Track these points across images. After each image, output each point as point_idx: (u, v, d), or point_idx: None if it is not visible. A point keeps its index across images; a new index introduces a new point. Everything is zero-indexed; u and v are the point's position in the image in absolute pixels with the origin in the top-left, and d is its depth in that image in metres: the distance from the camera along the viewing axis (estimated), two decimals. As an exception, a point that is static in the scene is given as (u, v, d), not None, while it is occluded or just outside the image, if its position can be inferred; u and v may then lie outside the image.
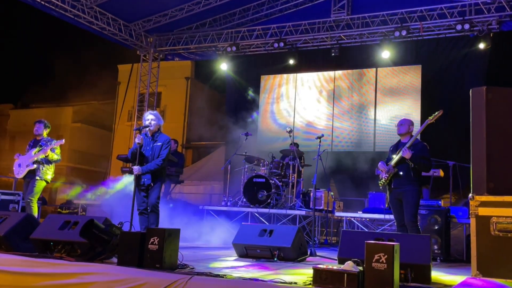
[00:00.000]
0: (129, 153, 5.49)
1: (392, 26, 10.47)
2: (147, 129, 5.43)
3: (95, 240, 4.03)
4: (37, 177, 6.43)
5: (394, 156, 5.31)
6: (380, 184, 5.42)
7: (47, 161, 6.51)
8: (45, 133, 6.70)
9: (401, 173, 5.22)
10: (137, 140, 5.31)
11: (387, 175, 5.29)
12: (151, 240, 3.82)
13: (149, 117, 5.46)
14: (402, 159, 5.18)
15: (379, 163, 5.44)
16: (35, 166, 6.42)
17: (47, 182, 6.58)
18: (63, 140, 6.57)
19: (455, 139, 9.33)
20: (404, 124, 5.43)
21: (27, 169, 6.45)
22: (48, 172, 6.55)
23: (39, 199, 6.52)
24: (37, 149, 6.47)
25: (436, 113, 5.28)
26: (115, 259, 4.06)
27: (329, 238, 8.70)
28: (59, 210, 12.90)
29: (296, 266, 4.78)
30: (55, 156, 6.53)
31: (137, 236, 3.92)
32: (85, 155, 24.15)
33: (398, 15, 10.49)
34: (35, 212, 6.32)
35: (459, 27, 9.78)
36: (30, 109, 26.72)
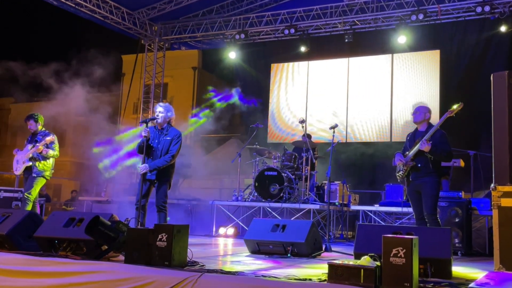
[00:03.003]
0: (137, 147, 5.37)
1: (409, 10, 10.12)
2: (154, 121, 5.31)
3: (101, 238, 3.97)
4: (34, 174, 6.23)
5: (411, 145, 5.13)
6: (398, 177, 5.29)
7: (43, 157, 6.29)
8: (39, 126, 6.46)
9: (419, 165, 5.04)
10: (143, 133, 5.20)
11: (405, 168, 5.12)
12: (160, 236, 3.74)
13: (158, 109, 5.39)
14: (420, 151, 4.99)
15: (396, 155, 5.28)
16: (31, 162, 6.24)
17: (45, 178, 6.36)
18: (52, 135, 6.30)
19: (475, 127, 9.04)
20: (420, 112, 5.24)
21: (24, 165, 6.27)
22: (46, 169, 6.32)
23: (42, 196, 6.38)
24: (32, 144, 6.30)
25: (457, 105, 5.06)
26: (122, 257, 3.98)
27: (345, 233, 8.50)
28: (64, 207, 12.90)
29: (311, 262, 4.71)
30: (50, 151, 6.30)
31: (145, 233, 3.84)
32: (89, 150, 24.08)
33: (415, -3, 10.16)
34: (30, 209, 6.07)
35: (479, 9, 9.44)
36: (32, 103, 26.51)
